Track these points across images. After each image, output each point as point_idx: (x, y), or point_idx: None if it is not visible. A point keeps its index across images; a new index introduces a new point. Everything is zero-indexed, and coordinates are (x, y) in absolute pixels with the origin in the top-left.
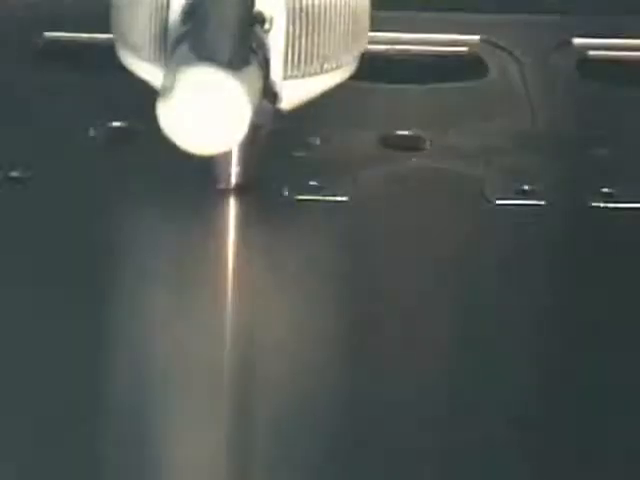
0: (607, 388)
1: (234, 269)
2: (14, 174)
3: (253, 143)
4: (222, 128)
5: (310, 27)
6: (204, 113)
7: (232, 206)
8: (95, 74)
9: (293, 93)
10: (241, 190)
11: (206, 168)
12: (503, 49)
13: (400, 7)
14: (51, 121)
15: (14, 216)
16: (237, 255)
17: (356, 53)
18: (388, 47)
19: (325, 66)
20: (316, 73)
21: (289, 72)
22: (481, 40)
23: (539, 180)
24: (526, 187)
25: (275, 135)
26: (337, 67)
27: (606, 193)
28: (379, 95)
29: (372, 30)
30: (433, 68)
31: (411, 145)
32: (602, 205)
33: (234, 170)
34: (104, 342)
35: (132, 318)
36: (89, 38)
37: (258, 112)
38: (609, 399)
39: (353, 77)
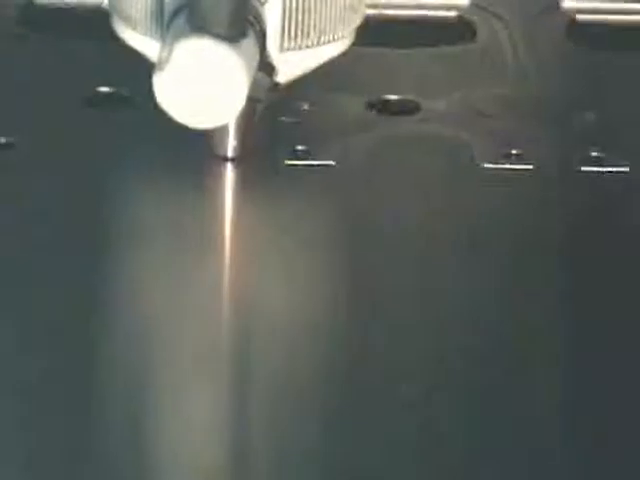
0: (592, 356)
1: (224, 234)
2: (2, 140)
3: (250, 116)
4: (219, 101)
5: (307, 0)
6: (201, 86)
7: (222, 172)
8: (81, 39)
9: (290, 66)
10: (239, 163)
11: (195, 133)
12: (492, 13)
13: None
14: (38, 87)
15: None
16: (227, 220)
17: (353, 25)
18: (376, 11)
19: (322, 39)
20: (313, 46)
21: (286, 45)
22: (470, 4)
23: (527, 144)
24: (514, 151)
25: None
26: (334, 40)
27: (595, 157)
28: (367, 59)
29: None
30: (422, 32)
31: (399, 110)
32: (591, 169)
33: (231, 144)
34: (101, 306)
35: (128, 282)
36: (76, 3)
37: (254, 85)
38: (593, 370)
39: None
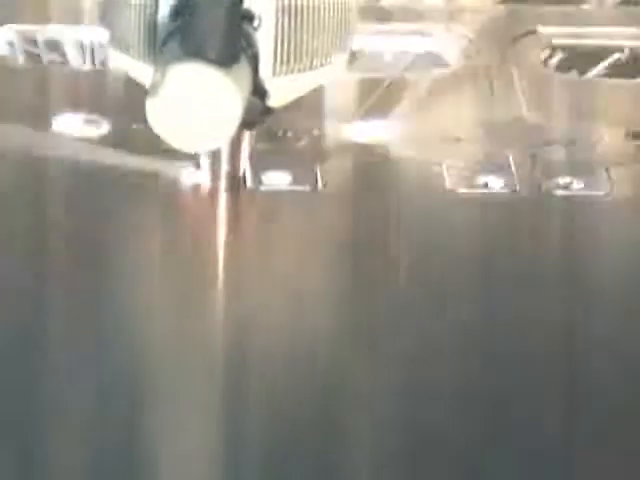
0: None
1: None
2: None
3: (242, 141)
4: (212, 125)
5: (299, 24)
6: (194, 110)
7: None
8: None
9: (283, 90)
10: (232, 187)
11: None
12: None
13: None
14: None
15: None
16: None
17: (345, 50)
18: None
19: (314, 63)
20: (305, 70)
21: (278, 69)
22: None
23: None
24: None
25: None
26: (326, 64)
27: None
28: (623, 91)
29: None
30: None
31: None
32: None
33: (224, 168)
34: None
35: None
36: None
37: (247, 109)
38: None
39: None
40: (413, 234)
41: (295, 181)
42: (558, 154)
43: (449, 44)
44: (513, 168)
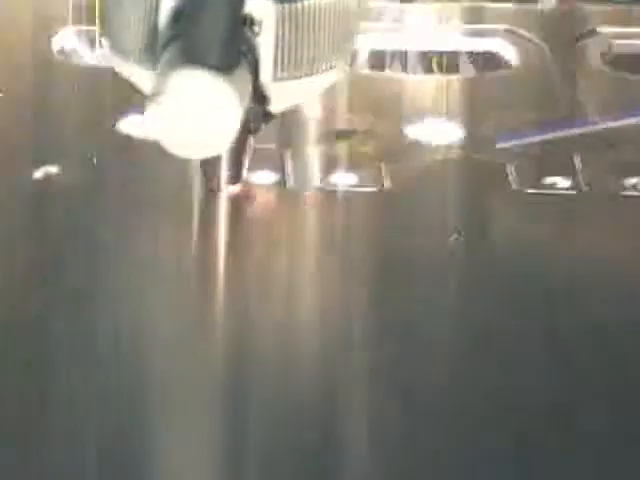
0: None
1: None
2: None
3: (243, 146)
4: (212, 131)
5: (299, 29)
6: (194, 116)
7: None
8: None
9: (283, 95)
10: (232, 193)
11: None
12: None
13: None
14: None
15: None
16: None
17: (346, 55)
18: None
19: (315, 68)
20: (306, 75)
21: (278, 74)
22: None
23: None
24: None
25: None
26: (327, 69)
27: None
28: None
29: None
30: None
31: None
32: None
33: (224, 174)
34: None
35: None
36: None
37: (247, 115)
38: None
39: None
40: (479, 235)
41: (361, 181)
42: (625, 154)
43: (511, 44)
44: (579, 168)
